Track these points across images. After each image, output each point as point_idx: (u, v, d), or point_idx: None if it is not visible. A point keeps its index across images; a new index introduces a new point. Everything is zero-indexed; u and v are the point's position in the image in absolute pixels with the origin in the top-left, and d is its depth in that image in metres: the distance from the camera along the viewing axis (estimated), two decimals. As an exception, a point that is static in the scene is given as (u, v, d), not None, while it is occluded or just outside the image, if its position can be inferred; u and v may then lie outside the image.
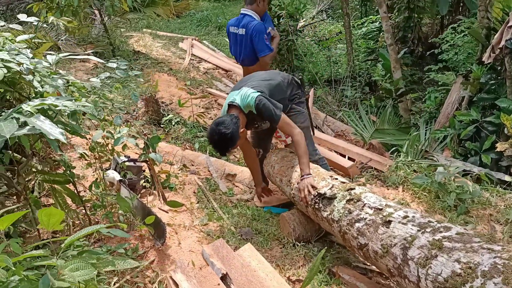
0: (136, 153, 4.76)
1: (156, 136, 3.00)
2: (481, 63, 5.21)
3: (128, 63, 3.10)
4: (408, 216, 2.18)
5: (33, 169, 2.78)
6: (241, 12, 4.40)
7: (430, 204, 3.51)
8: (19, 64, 2.19)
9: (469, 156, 5.32)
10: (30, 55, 2.35)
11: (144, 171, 3.79)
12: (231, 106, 3.14)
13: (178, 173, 4.25)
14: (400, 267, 2.02)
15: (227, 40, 4.77)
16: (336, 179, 2.86)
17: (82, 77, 8.08)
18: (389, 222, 2.21)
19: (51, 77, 2.60)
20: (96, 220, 2.97)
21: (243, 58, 4.50)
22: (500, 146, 4.51)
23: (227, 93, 7.47)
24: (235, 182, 4.32)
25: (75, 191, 2.81)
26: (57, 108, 2.01)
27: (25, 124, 1.80)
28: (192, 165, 4.65)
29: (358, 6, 12.55)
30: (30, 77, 2.31)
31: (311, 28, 13.06)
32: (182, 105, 5.69)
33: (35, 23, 2.82)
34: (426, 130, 6.04)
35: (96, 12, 9.40)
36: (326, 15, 13.73)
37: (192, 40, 10.79)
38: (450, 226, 1.99)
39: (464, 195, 3.43)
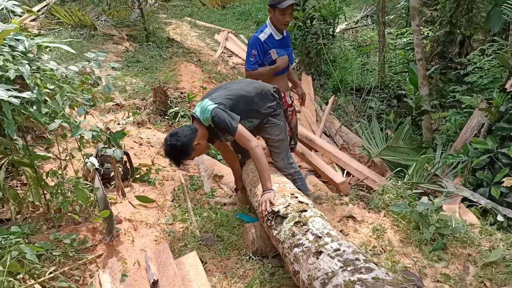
0: (135, 142, 4.85)
1: (121, 131, 2.99)
2: (504, 91, 4.86)
3: (105, 54, 3.08)
4: (339, 250, 2.04)
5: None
6: None
7: (407, 234, 3.31)
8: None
9: (480, 186, 5.00)
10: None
11: (125, 161, 3.80)
12: (193, 117, 3.11)
13: (165, 167, 4.26)
14: (317, 304, 1.91)
15: None
16: (296, 198, 2.74)
17: (112, 58, 8.29)
18: (320, 252, 2.08)
19: (19, 62, 2.64)
20: (56, 207, 3.01)
21: None
22: (507, 181, 4.19)
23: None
24: (221, 183, 4.27)
25: (37, 176, 2.86)
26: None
27: None
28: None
29: (404, 15, 12.07)
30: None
31: (352, 32, 12.74)
32: (191, 99, 5.69)
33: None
34: (442, 153, 5.75)
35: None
36: (371, 21, 13.30)
37: (228, 33, 10.79)
38: (373, 268, 1.84)
39: (445, 230, 3.20)
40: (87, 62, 3.00)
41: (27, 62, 2.67)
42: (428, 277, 2.87)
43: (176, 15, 12.53)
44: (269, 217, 2.68)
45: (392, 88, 8.29)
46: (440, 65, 7.74)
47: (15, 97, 2.34)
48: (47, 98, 2.65)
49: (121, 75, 7.28)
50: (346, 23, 12.95)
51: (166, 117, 5.50)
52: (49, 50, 4.39)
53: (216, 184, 4.23)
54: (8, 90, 2.37)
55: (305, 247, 2.21)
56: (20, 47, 2.80)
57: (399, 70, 9.44)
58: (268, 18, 3.79)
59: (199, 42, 10.41)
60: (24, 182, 3.39)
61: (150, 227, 3.22)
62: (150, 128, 5.32)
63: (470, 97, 5.96)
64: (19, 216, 2.94)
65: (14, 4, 2.78)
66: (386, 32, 8.87)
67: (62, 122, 2.60)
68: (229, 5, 14.43)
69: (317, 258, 2.07)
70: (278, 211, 2.64)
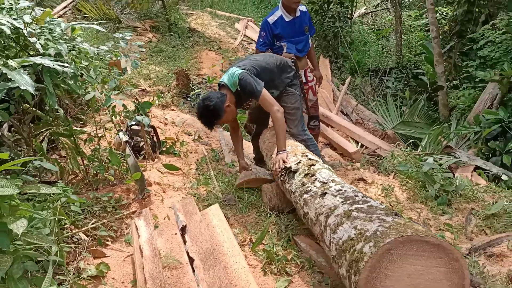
0: (160, 122, 5.20)
1: (147, 101, 3.32)
2: (514, 61, 4.99)
3: (131, 33, 3.42)
4: (341, 190, 2.32)
5: (41, 123, 3.21)
6: None
7: (414, 192, 3.54)
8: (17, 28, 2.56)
9: (492, 156, 5.14)
10: (29, 20, 2.71)
11: (152, 135, 4.15)
12: (220, 86, 3.40)
13: (189, 142, 4.59)
14: (322, 233, 2.19)
15: None
16: (306, 156, 3.02)
17: (137, 49, 8.69)
18: (325, 194, 2.36)
19: (58, 41, 3.00)
20: (94, 172, 3.37)
21: None
22: (516, 147, 4.35)
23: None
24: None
25: (75, 145, 3.22)
26: (39, 65, 2.38)
27: (3, 76, 2.18)
28: (207, 137, 4.98)
29: (422, -4, 12.07)
30: (34, 39, 2.71)
31: (372, 16, 12.81)
32: (211, 81, 6.01)
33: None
34: (456, 126, 5.89)
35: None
36: (391, 4, 13.32)
37: (248, 21, 11.06)
38: (369, 200, 2.12)
39: (449, 187, 3.42)
40: (113, 42, 3.34)
41: (64, 42, 3.03)
42: (431, 227, 3.10)
43: (197, 6, 12.88)
44: (283, 173, 2.97)
45: (410, 68, 8.40)
46: (458, 43, 7.80)
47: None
48: (83, 72, 3.00)
49: (145, 64, 7.66)
50: (365, 7, 13.02)
51: (189, 99, 5.84)
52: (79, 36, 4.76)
53: (236, 157, 4.53)
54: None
55: (313, 192, 2.49)
56: (57, 29, 3.16)
57: (418, 52, 9.52)
58: (280, 0, 4.02)
59: (219, 31, 10.72)
60: (63, 155, 3.78)
61: (177, 190, 3.55)
62: (174, 110, 5.67)
63: (483, 72, 6.07)
64: (61, 181, 3.31)
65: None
66: (405, 14, 8.95)
67: (96, 93, 2.95)
68: (249, -6, 14.68)
69: (322, 198, 2.35)
70: (290, 167, 2.93)
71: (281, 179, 2.99)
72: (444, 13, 9.69)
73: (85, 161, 3.34)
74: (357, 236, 1.85)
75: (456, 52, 8.08)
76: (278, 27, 3.96)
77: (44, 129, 3.34)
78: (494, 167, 4.82)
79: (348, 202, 2.15)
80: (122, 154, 3.43)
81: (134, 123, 3.96)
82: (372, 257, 1.70)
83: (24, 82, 2.16)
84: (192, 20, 11.08)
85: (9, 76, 2.13)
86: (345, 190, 2.31)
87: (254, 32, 10.45)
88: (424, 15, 10.36)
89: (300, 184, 2.69)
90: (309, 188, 2.57)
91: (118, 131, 4.05)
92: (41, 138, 3.31)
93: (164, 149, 4.20)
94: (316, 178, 2.61)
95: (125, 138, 3.86)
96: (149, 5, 10.29)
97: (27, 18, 2.63)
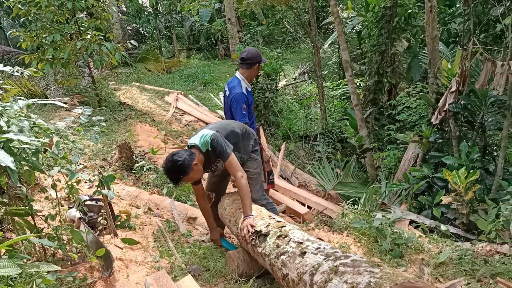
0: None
1: (111, 175, 3.30)
2: (430, 124, 5.67)
3: (91, 110, 3.46)
4: (320, 247, 2.47)
5: (-3, 201, 3.04)
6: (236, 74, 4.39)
7: (369, 248, 3.78)
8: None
9: (423, 209, 5.64)
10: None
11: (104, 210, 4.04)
12: (190, 147, 3.49)
13: (141, 215, 4.51)
14: (309, 292, 2.29)
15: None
16: (274, 218, 3.16)
17: (69, 124, 8.47)
18: (304, 253, 2.49)
19: (18, 119, 2.95)
20: (51, 252, 3.19)
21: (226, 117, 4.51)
22: (444, 200, 4.84)
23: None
24: (196, 225, 4.57)
25: (34, 224, 3.07)
26: (14, 143, 2.33)
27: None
28: (157, 209, 4.91)
29: (336, 69, 13.32)
30: (-2, 117, 2.65)
31: (292, 87, 13.76)
32: (155, 153, 6.02)
33: (9, 72, 3.21)
34: (386, 184, 6.40)
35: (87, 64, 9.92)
36: (308, 76, 14.49)
37: (178, 94, 11.34)
38: (350, 255, 2.28)
39: (399, 240, 3.72)
40: (72, 118, 3.34)
41: (25, 119, 2.98)
42: (391, 278, 3.31)
43: (124, 81, 12.98)
44: (253, 237, 3.06)
45: (335, 133, 9.10)
46: (374, 110, 8.67)
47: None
48: (47, 148, 2.94)
49: (78, 139, 7.48)
50: (286, 79, 13.99)
51: (133, 172, 5.77)
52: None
53: (190, 226, 4.52)
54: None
55: (290, 253, 2.60)
56: (15, 107, 3.11)
57: (339, 118, 10.35)
58: (240, 73, 4.26)
59: (150, 104, 10.84)
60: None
61: (139, 265, 3.45)
62: (118, 183, 5.56)
63: (403, 134, 6.78)
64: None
65: None
66: (323, 85, 9.79)
67: (60, 169, 2.89)
68: (174, 70, 15.15)
69: (303, 257, 2.47)
70: (261, 231, 3.03)
71: (252, 243, 3.07)
72: (356, 84, 10.79)
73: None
74: (350, 289, 1.98)
75: (372, 118, 8.96)
76: (249, 97, 4.23)
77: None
78: (426, 219, 5.29)
79: (331, 258, 2.29)
80: (82, 231, 3.30)
81: (88, 198, 3.85)
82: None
83: (4, 159, 2.11)
84: (122, 94, 11.13)
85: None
86: (324, 248, 2.46)
87: (185, 104, 10.72)
88: (340, 85, 11.39)
89: (275, 246, 2.79)
90: (285, 249, 2.68)
91: (69, 207, 3.90)
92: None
93: (119, 223, 4.09)
94: (290, 239, 2.73)
95: (78, 214, 3.72)
96: (77, 80, 10.22)
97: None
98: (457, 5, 9.59)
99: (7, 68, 3.11)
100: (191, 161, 3.28)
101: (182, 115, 10.17)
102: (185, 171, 3.26)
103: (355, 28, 12.02)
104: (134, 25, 20.52)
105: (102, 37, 8.61)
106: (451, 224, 5.02)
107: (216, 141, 3.34)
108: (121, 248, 3.62)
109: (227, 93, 4.36)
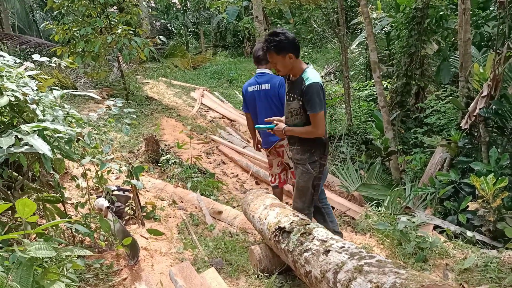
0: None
1: (140, 166, 3.37)
2: (460, 129, 5.57)
3: (124, 101, 3.54)
4: (344, 247, 2.47)
5: (29, 188, 3.15)
6: (258, 72, 4.24)
7: (392, 250, 3.75)
8: (24, 94, 2.62)
9: (448, 215, 5.55)
10: (35, 88, 2.78)
11: (132, 201, 4.12)
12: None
13: (165, 207, 4.58)
14: (332, 290, 2.29)
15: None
16: (298, 216, 3.17)
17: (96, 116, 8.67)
18: (328, 251, 2.49)
19: (53, 108, 3.04)
20: (80, 239, 3.29)
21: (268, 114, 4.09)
22: (471, 206, 4.75)
23: (229, 141, 7.93)
24: (220, 219, 4.62)
25: (64, 211, 3.16)
26: (47, 132, 2.41)
27: (21, 141, 2.19)
28: (181, 202, 4.99)
29: (363, 70, 13.20)
30: (34, 106, 2.74)
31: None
32: (180, 147, 6.10)
33: (46, 62, 3.31)
34: (411, 187, 6.32)
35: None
36: (334, 77, 14.39)
37: (203, 90, 11.45)
38: (374, 255, 2.28)
39: (424, 244, 3.67)
40: (104, 109, 3.43)
41: (59, 108, 3.07)
42: (414, 282, 3.28)
43: (152, 75, 13.18)
44: (277, 233, 3.07)
45: (360, 134, 9.01)
46: (400, 112, 8.56)
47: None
48: (79, 138, 3.02)
49: (106, 130, 7.64)
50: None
51: (158, 165, 5.86)
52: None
53: (214, 221, 4.57)
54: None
55: (314, 250, 2.61)
56: (50, 97, 3.21)
57: (364, 119, 10.26)
58: (266, 68, 4.14)
59: (176, 99, 10.98)
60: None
61: (164, 255, 3.52)
62: (144, 175, 5.66)
63: (430, 138, 6.68)
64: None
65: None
66: (349, 86, 9.72)
67: (91, 158, 2.97)
68: (200, 66, 15.29)
69: (327, 256, 2.47)
70: (284, 227, 3.04)
71: (275, 239, 3.09)
72: (384, 85, 10.67)
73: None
74: (375, 288, 1.98)
75: (399, 120, 8.85)
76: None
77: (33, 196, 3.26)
78: (451, 225, 5.20)
79: (355, 257, 2.29)
80: (110, 220, 3.38)
81: (116, 188, 3.94)
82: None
83: (41, 146, 2.19)
84: (149, 88, 11.30)
85: (26, 142, 2.15)
86: (348, 247, 2.46)
87: (210, 100, 10.81)
88: (367, 86, 11.28)
89: (298, 243, 2.81)
90: (308, 247, 2.69)
91: (98, 196, 4.00)
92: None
93: (145, 214, 4.17)
94: (314, 237, 2.74)
95: (106, 203, 3.81)
96: (106, 74, 10.42)
97: (33, 85, 2.68)
98: (491, 8, 9.38)
99: (44, 59, 3.21)
100: (290, 48, 3.09)
101: (207, 111, 10.26)
102: (285, 45, 3.07)
103: (384, 29, 11.88)
104: (162, 21, 20.80)
105: (132, 32, 8.77)
106: (477, 231, 4.92)
107: (315, 90, 3.02)
108: (147, 238, 3.69)
109: (265, 86, 4.15)
